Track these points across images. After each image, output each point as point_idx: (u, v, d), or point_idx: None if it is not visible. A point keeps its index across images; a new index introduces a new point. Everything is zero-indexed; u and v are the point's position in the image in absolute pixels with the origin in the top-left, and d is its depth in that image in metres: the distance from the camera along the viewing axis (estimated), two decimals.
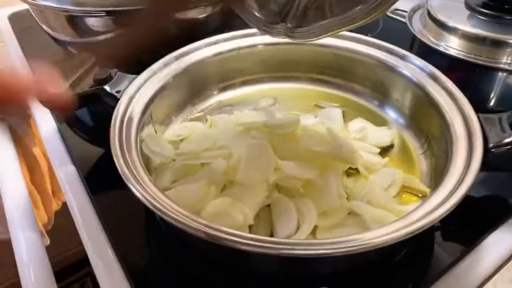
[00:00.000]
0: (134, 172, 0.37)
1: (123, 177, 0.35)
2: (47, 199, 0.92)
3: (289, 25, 0.38)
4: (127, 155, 0.38)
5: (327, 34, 0.35)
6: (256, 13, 0.40)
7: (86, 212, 0.45)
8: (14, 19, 0.87)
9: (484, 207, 0.44)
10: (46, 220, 0.93)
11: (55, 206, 0.96)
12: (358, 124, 0.52)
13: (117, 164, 0.36)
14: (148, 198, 0.33)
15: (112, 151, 0.38)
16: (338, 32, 0.34)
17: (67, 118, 0.57)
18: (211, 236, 0.30)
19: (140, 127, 0.44)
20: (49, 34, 0.68)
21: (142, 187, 0.35)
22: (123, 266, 0.39)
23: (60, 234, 0.87)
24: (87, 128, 0.58)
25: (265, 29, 0.40)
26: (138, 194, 0.33)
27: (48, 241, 0.84)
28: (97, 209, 0.44)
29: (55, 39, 0.68)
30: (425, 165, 0.47)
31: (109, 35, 0.63)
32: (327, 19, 0.34)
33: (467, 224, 0.41)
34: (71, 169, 0.50)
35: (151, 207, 0.32)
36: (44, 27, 0.68)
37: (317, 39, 0.36)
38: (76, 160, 0.51)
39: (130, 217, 0.43)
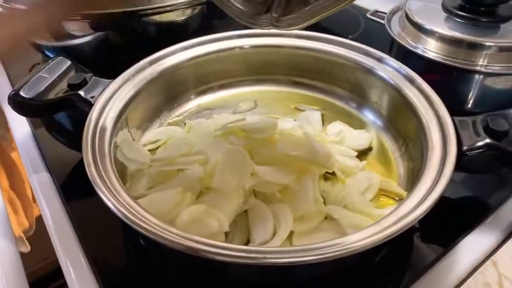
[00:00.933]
0: (106, 180, 0.36)
1: (94, 185, 0.34)
2: (27, 204, 0.90)
3: (274, 14, 0.38)
4: (99, 163, 0.38)
5: (311, 20, 0.35)
6: (240, 6, 0.40)
7: (60, 221, 0.44)
8: None
9: (462, 208, 0.45)
10: (27, 226, 0.92)
11: (37, 211, 0.95)
12: (336, 127, 0.52)
13: (88, 172, 0.36)
14: (118, 207, 0.32)
15: (84, 159, 0.37)
16: (322, 17, 0.35)
17: (43, 123, 0.56)
18: (179, 245, 0.30)
19: (115, 133, 0.43)
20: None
21: (114, 196, 0.34)
22: (97, 276, 0.38)
23: (42, 239, 0.86)
24: (63, 133, 0.57)
25: (250, 21, 0.39)
26: (108, 203, 0.33)
27: (28, 248, 0.83)
28: (72, 217, 0.44)
29: (33, 44, 0.67)
30: (403, 167, 0.47)
31: (86, 39, 0.62)
32: (310, 4, 0.34)
33: (445, 226, 0.42)
34: (45, 176, 0.49)
35: (121, 216, 0.32)
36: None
37: (302, 26, 0.36)
38: (51, 167, 0.50)
39: (105, 225, 0.42)
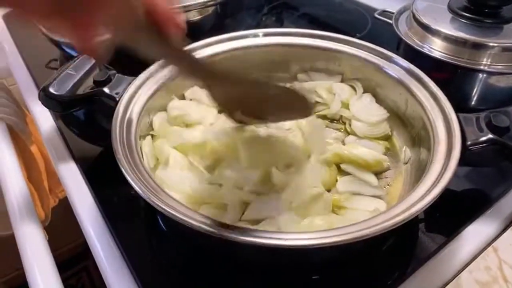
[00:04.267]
0: (134, 168, 0.39)
1: (126, 176, 0.37)
2: (44, 195, 0.93)
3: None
4: (128, 154, 0.41)
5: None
6: None
7: (88, 207, 0.47)
8: (9, 19, 0.88)
9: (465, 200, 0.47)
10: (43, 216, 0.95)
11: (52, 202, 0.98)
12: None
13: (120, 165, 0.38)
14: (152, 197, 0.35)
15: (115, 152, 0.40)
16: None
17: (65, 118, 0.59)
18: (205, 229, 0.33)
19: (139, 127, 0.46)
20: (45, 34, 0.69)
21: (143, 183, 0.37)
22: (125, 257, 0.41)
23: (57, 230, 0.89)
24: (82, 127, 0.60)
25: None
26: (138, 190, 0.36)
27: (46, 237, 0.86)
28: (98, 202, 0.47)
29: (51, 40, 0.70)
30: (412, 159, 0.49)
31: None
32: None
33: (448, 216, 0.45)
34: (71, 165, 0.52)
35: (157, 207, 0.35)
36: (40, 27, 0.69)
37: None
38: (76, 156, 0.53)
39: (130, 209, 0.45)
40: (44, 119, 0.60)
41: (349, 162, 0.48)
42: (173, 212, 0.34)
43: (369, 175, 0.47)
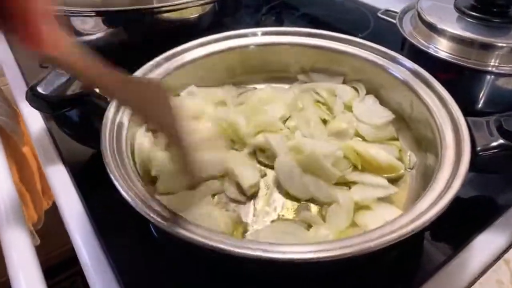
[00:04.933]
0: (125, 176, 0.37)
1: (115, 182, 0.35)
2: (36, 197, 0.91)
3: None
4: (117, 159, 0.38)
5: None
6: None
7: (76, 212, 0.45)
8: None
9: (473, 208, 0.45)
10: (36, 219, 0.92)
11: (45, 205, 0.96)
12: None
13: (108, 170, 0.36)
14: (141, 204, 0.33)
15: (104, 156, 0.38)
16: None
17: (55, 119, 0.57)
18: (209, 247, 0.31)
19: (132, 129, 0.44)
20: None
21: (135, 193, 0.35)
22: (112, 264, 0.39)
23: (50, 232, 0.87)
24: (75, 128, 0.57)
25: None
26: (128, 199, 0.34)
27: (38, 241, 0.84)
28: (87, 208, 0.45)
29: None
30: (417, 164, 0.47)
31: (98, 35, 0.62)
32: None
33: (456, 225, 0.42)
34: (60, 168, 0.50)
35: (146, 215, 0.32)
36: None
37: None
38: (65, 160, 0.51)
39: (120, 216, 0.43)
40: (33, 120, 0.58)
41: (362, 161, 0.46)
42: (164, 223, 0.32)
43: (376, 178, 0.45)
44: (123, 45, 0.64)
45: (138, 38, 0.64)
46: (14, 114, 0.83)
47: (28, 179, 0.87)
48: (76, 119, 0.58)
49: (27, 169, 0.86)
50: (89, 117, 0.58)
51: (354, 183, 0.45)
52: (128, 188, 0.35)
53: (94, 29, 0.65)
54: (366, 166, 0.46)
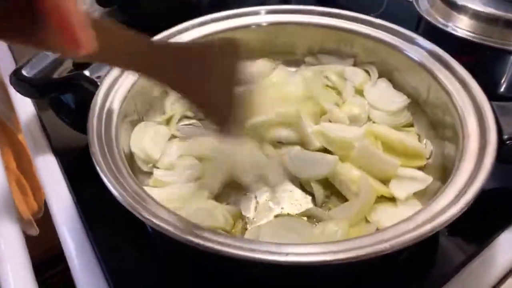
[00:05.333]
0: (113, 167, 0.34)
1: (101, 176, 0.32)
2: (35, 186, 0.88)
3: None
4: (105, 148, 0.35)
5: None
6: None
7: (65, 206, 0.42)
8: None
9: (496, 202, 0.41)
10: (36, 208, 0.90)
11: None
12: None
13: (94, 161, 0.33)
14: (128, 199, 0.30)
15: (90, 145, 0.35)
16: None
17: (48, 104, 0.54)
18: (195, 244, 0.27)
19: (122, 116, 0.40)
20: None
21: (121, 185, 0.32)
22: (102, 264, 0.36)
23: (50, 223, 0.85)
24: (68, 115, 0.54)
25: None
26: (115, 193, 0.30)
27: (37, 231, 0.82)
28: (77, 201, 0.42)
29: None
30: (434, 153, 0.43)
31: (94, 16, 0.59)
32: None
33: (478, 221, 0.38)
34: (50, 158, 0.47)
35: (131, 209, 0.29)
36: None
37: None
38: (56, 149, 0.48)
39: (110, 210, 0.40)
40: (23, 105, 0.55)
41: (384, 148, 0.42)
42: (156, 221, 0.29)
43: (407, 169, 0.41)
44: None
45: (134, 18, 0.60)
46: (8, 100, 0.80)
47: (26, 168, 0.85)
48: (68, 105, 0.55)
49: (25, 157, 0.83)
50: (82, 103, 0.55)
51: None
52: (116, 181, 0.32)
53: (88, 10, 0.62)
54: (388, 153, 0.42)
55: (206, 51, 0.33)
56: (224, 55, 0.33)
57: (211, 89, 0.32)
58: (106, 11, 0.61)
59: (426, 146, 0.44)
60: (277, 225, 0.37)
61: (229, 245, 0.27)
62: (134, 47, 0.28)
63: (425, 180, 0.39)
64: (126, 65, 0.30)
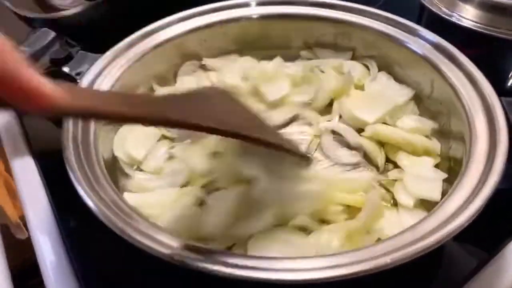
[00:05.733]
0: (89, 173, 0.31)
1: (75, 184, 0.29)
2: None
3: None
4: (82, 154, 0.33)
5: None
6: None
7: (42, 212, 0.40)
8: None
9: (507, 206, 0.38)
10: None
11: None
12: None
13: (68, 168, 0.30)
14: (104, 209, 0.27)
15: (64, 149, 0.32)
16: None
17: None
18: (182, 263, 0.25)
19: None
20: (11, 10, 0.61)
21: (97, 194, 0.29)
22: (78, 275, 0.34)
23: None
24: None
25: None
26: (91, 204, 0.28)
27: (25, 234, 0.79)
28: (55, 210, 0.39)
29: (20, 16, 0.62)
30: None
31: (74, 10, 0.56)
32: None
33: (488, 227, 0.35)
34: (28, 161, 0.45)
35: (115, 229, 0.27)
36: (6, 3, 0.61)
37: None
38: (34, 152, 0.46)
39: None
40: None
41: (389, 149, 0.41)
42: (136, 237, 0.27)
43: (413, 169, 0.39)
44: (105, 20, 0.59)
45: (121, 11, 0.58)
46: None
47: None
48: None
49: None
50: None
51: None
52: (91, 190, 0.29)
53: (72, 3, 0.59)
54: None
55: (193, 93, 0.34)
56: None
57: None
58: (92, 4, 0.58)
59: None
60: (266, 236, 0.34)
61: (215, 262, 0.25)
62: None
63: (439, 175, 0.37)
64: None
